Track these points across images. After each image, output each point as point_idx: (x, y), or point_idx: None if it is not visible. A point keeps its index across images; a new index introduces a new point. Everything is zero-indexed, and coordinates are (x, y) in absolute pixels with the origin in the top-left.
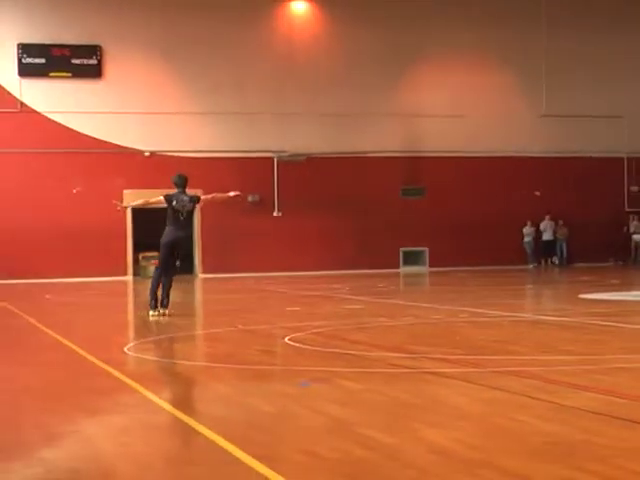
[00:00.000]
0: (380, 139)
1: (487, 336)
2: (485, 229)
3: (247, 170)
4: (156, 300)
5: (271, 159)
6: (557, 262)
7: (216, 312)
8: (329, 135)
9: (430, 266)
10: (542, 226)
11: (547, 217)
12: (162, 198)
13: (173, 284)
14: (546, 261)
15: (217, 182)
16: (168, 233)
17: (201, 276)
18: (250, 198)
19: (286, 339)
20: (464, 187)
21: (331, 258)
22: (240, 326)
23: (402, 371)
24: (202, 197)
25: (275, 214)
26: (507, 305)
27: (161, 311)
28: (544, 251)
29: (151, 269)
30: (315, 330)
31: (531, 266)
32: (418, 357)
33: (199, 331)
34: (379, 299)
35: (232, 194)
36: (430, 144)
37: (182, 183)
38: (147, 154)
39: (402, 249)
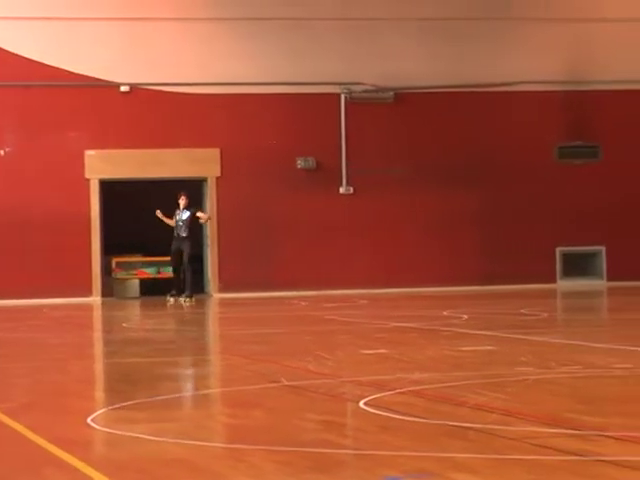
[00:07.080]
0: (525, 63)
1: None
2: None
3: (294, 116)
4: None
5: (335, 97)
6: None
7: (243, 356)
8: (436, 56)
9: (608, 279)
10: None
11: None
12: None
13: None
14: None
15: (240, 135)
16: None
17: (216, 296)
18: (300, 163)
19: (361, 403)
20: None
21: (438, 265)
22: (284, 380)
23: (562, 460)
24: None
25: (342, 190)
26: None
27: None
28: None
29: (132, 284)
30: (411, 388)
31: None
32: (589, 435)
33: (215, 389)
34: (520, 334)
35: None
36: (611, 69)
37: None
38: (125, 89)
39: (560, 249)
